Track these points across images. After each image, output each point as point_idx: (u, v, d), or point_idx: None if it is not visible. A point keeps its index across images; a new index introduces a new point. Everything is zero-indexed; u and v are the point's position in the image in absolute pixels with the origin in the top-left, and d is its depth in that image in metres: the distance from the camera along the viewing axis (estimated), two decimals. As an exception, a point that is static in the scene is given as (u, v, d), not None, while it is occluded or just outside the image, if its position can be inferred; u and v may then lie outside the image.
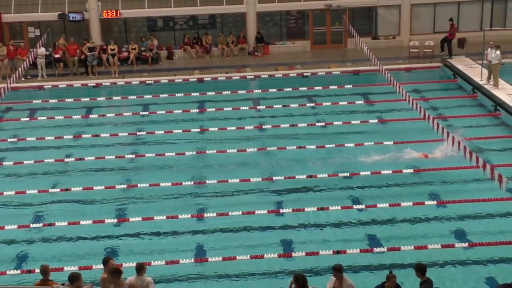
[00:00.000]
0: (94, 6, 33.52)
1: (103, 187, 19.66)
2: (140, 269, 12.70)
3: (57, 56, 31.96)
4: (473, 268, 15.21)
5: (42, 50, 30.98)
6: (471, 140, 21.43)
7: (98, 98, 28.80)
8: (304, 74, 30.62)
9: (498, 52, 25.89)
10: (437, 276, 14.61)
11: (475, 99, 26.70)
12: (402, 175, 19.86)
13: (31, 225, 17.74)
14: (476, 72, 27.78)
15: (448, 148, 19.77)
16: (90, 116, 26.67)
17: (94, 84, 30.57)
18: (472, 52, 29.98)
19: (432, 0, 34.25)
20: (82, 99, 28.21)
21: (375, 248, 15.97)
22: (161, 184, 19.69)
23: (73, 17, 33.51)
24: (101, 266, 13.26)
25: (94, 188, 19.59)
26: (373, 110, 25.94)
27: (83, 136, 24.28)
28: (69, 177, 20.98)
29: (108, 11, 33.57)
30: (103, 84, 30.58)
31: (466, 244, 16.06)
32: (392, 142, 22.24)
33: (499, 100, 25.01)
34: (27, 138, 24.01)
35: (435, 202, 18.18)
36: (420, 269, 12.28)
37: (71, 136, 24.18)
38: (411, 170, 20.15)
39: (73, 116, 26.24)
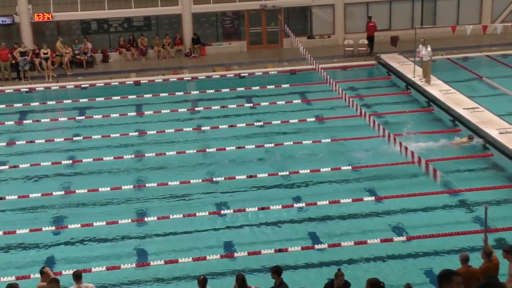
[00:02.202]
0: (25, 9, 32.74)
1: (39, 194, 19.27)
2: (78, 277, 12.52)
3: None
4: (411, 261, 15.52)
5: (-30, 56, 30.15)
6: (406, 135, 21.85)
7: (31, 104, 28.18)
8: (241, 74, 30.70)
9: (429, 49, 26.46)
10: (377, 270, 14.89)
11: (409, 96, 27.28)
12: (341, 172, 20.12)
13: (-35, 236, 17.24)
14: (409, 69, 28.37)
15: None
16: (24, 122, 26.05)
17: (27, 89, 29.90)
18: (405, 50, 30.62)
19: (365, 0, 34.82)
20: (14, 105, 27.57)
21: (316, 245, 16.13)
22: (100, 189, 19.42)
23: (2, 21, 32.66)
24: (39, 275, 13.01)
25: (30, 195, 19.18)
26: (310, 109, 26.21)
27: (17, 142, 23.70)
28: (4, 186, 20.44)
29: (40, 14, 32.87)
30: (37, 89, 29.93)
31: (404, 238, 16.39)
32: (330, 140, 22.55)
33: (432, 96, 25.62)
34: (-42, 147, 23.33)
35: (373, 198, 18.50)
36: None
37: (4, 143, 23.58)
38: (350, 167, 20.44)
39: (6, 123, 25.62)
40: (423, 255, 15.69)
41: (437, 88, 26.12)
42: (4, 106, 27.34)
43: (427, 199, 18.11)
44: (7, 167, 21.60)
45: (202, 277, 12.54)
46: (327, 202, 18.05)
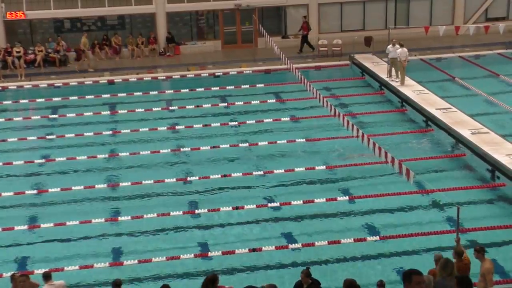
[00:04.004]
0: (-3, 7, 32.43)
1: (12, 193, 19.10)
2: (47, 277, 12.56)
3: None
4: (385, 260, 15.64)
5: None
6: (380, 136, 21.99)
7: (4, 102, 27.86)
8: (216, 74, 30.65)
9: (400, 50, 26.38)
10: (350, 270, 14.99)
11: (382, 96, 27.47)
12: (315, 171, 20.21)
13: None
14: (382, 69, 28.54)
15: None
16: (-4, 120, 25.82)
17: (0, 88, 29.56)
18: (378, 50, 30.81)
19: (339, 0, 34.99)
20: (-14, 104, 27.28)
21: (290, 245, 16.20)
22: (73, 188, 19.30)
23: (-26, 19, 32.30)
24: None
25: (3, 194, 19.01)
26: (285, 109, 26.28)
27: (-12, 141, 23.48)
28: (-25, 185, 20.24)
29: (12, 12, 32.50)
30: (9, 87, 29.60)
31: (377, 237, 16.52)
32: (304, 140, 22.64)
33: (405, 96, 25.81)
34: None
35: (347, 198, 18.61)
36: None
37: (-24, 142, 23.34)
38: (324, 167, 20.54)
39: (-22, 121, 25.37)
40: (396, 254, 15.83)
41: (411, 89, 26.31)
42: (-25, 104, 27.04)
43: (400, 199, 18.27)
44: (-22, 166, 21.38)
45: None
46: (301, 201, 18.12)
